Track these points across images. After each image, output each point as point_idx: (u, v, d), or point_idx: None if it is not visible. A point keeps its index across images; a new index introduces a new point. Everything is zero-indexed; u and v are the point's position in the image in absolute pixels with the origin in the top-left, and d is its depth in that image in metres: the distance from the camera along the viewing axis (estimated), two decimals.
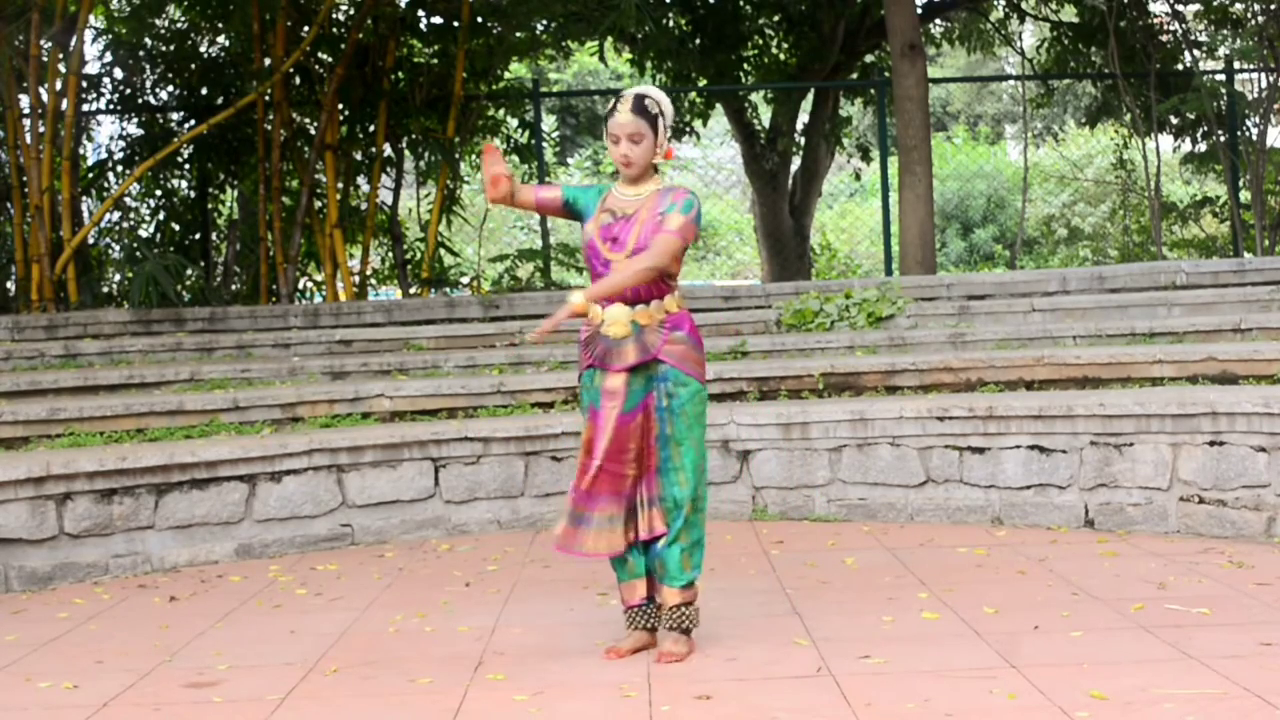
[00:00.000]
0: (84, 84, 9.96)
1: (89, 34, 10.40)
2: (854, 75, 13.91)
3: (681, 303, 4.16)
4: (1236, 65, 11.61)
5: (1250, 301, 7.79)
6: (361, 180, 10.37)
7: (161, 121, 10.80)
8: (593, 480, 4.05)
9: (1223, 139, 11.30)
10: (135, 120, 10.78)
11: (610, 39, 12.63)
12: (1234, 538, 5.65)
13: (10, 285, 9.67)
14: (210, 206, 10.85)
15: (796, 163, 13.87)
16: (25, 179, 8.96)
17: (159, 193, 10.87)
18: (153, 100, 10.83)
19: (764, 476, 6.55)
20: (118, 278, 10.11)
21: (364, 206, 10.18)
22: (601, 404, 4.07)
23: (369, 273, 10.60)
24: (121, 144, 10.65)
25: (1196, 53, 12.13)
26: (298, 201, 9.71)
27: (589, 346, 4.12)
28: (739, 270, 22.86)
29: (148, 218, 10.92)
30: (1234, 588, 4.76)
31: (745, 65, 13.63)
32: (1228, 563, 5.19)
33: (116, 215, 10.69)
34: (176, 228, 10.68)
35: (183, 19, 11.02)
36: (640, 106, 4.05)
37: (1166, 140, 13.33)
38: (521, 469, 6.60)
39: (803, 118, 14.04)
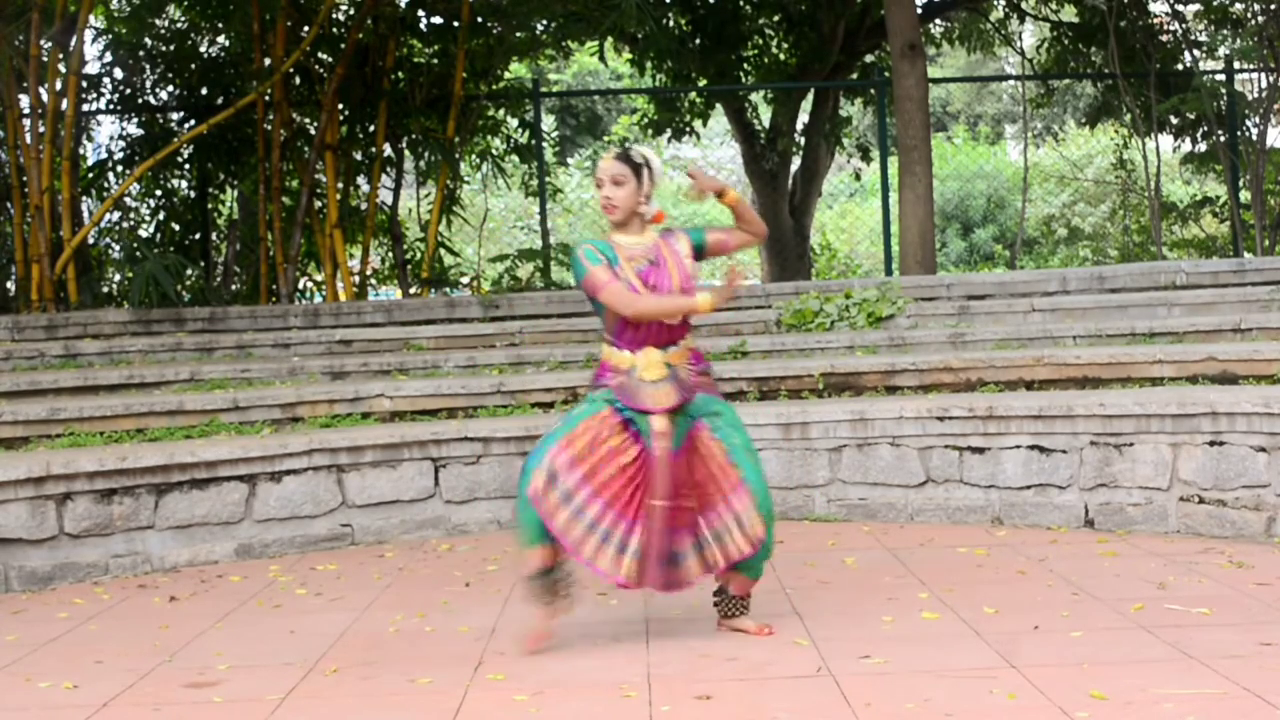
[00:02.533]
0: (84, 84, 9.96)
1: (89, 34, 10.42)
2: (854, 75, 13.91)
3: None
4: (1236, 65, 11.61)
5: (1250, 301, 7.79)
6: (361, 180, 10.37)
7: (161, 121, 10.80)
8: (663, 519, 4.13)
9: (1223, 139, 11.30)
10: (135, 120, 10.78)
11: (610, 39, 12.63)
12: (1234, 538, 5.65)
13: (10, 285, 9.67)
14: (210, 206, 10.85)
15: (796, 163, 13.87)
16: (25, 179, 8.97)
17: (159, 193, 10.88)
18: (153, 100, 10.84)
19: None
20: (118, 278, 10.12)
21: (364, 206, 10.18)
22: (654, 445, 4.17)
23: (369, 273, 10.60)
24: (121, 144, 10.66)
25: (1196, 53, 12.14)
26: (298, 201, 9.71)
27: (620, 392, 4.21)
28: (739, 270, 22.83)
29: (148, 218, 10.93)
30: (1234, 588, 4.76)
31: (745, 65, 13.63)
32: (1228, 563, 5.19)
33: (116, 215, 10.70)
34: (176, 228, 10.68)
35: (183, 19, 11.03)
36: (624, 154, 4.32)
37: (1166, 140, 13.35)
38: (521, 469, 6.58)
39: (803, 118, 14.04)
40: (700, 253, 4.35)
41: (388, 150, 10.21)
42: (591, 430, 4.19)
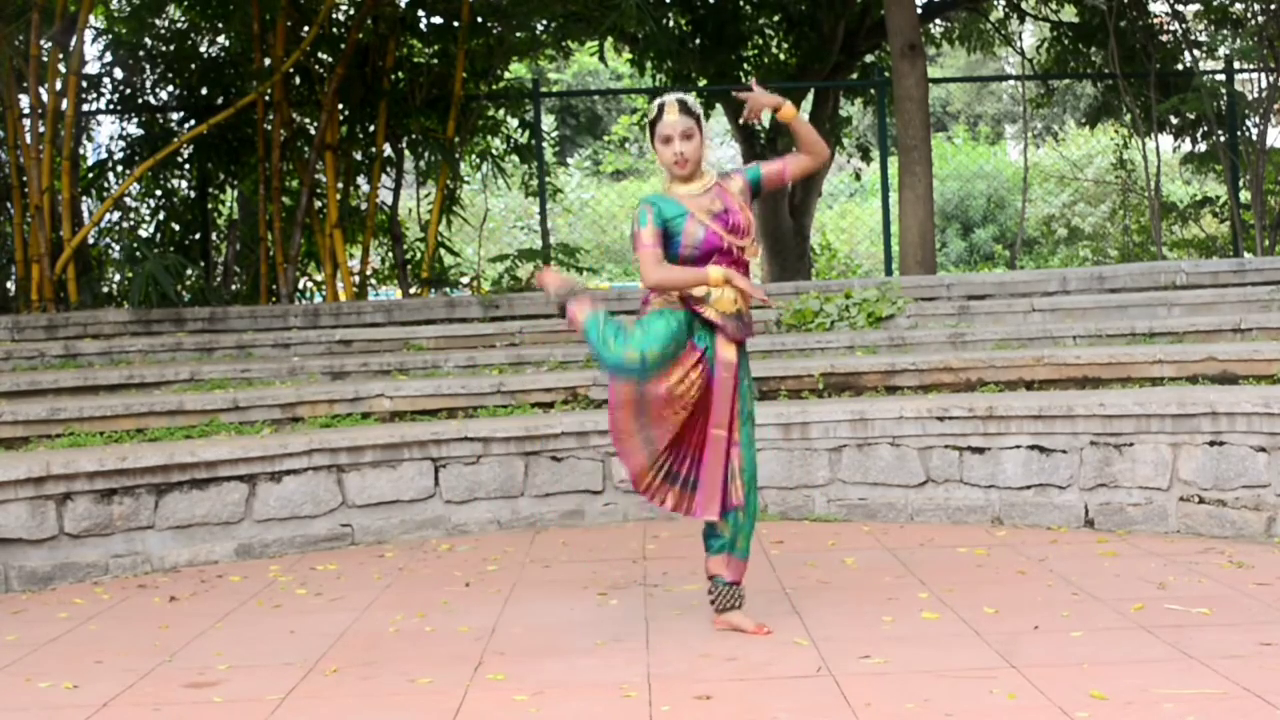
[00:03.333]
0: (84, 84, 9.96)
1: (89, 34, 10.42)
2: (854, 75, 13.91)
3: None
4: (1236, 65, 11.61)
5: (1250, 301, 7.79)
6: (361, 180, 10.37)
7: (161, 121, 10.80)
8: (707, 447, 4.28)
9: (1223, 139, 11.31)
10: (135, 120, 10.78)
11: (610, 39, 12.63)
12: (1234, 538, 5.65)
13: (10, 285, 9.67)
14: (210, 206, 10.85)
15: None
16: (25, 179, 8.97)
17: (159, 193, 10.88)
18: (153, 100, 10.83)
19: (764, 476, 6.53)
20: (118, 278, 10.11)
21: (364, 206, 10.18)
22: (718, 373, 4.29)
23: (369, 273, 10.60)
24: (121, 144, 10.65)
25: (1196, 53, 12.14)
26: (298, 201, 9.71)
27: (700, 307, 4.27)
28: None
29: (148, 218, 10.92)
30: (1234, 588, 4.76)
31: (745, 65, 13.62)
32: (1228, 563, 5.19)
33: (116, 215, 10.70)
34: (176, 228, 10.68)
35: (183, 19, 11.02)
36: (686, 107, 4.31)
37: (1166, 140, 13.35)
38: (521, 469, 6.60)
39: (803, 118, 14.03)
40: (758, 188, 4.41)
41: (388, 150, 10.21)
42: (680, 370, 4.26)
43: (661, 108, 4.30)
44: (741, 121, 4.79)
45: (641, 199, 4.37)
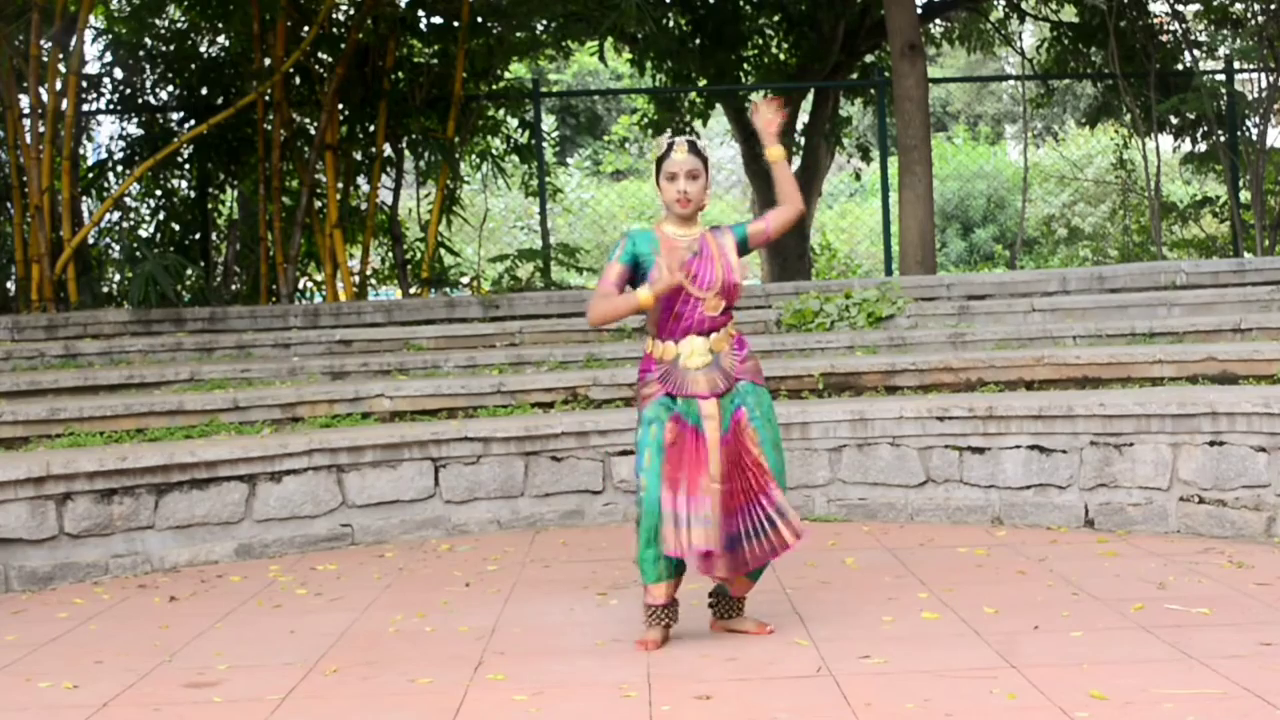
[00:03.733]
0: (84, 84, 9.96)
1: (89, 34, 10.41)
2: (854, 75, 13.91)
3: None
4: (1236, 65, 11.61)
5: (1250, 301, 7.79)
6: (361, 180, 10.37)
7: (161, 121, 10.80)
8: (715, 502, 4.17)
9: (1223, 139, 11.30)
10: (135, 120, 10.78)
11: (610, 39, 12.63)
12: (1234, 538, 5.65)
13: (10, 285, 9.66)
14: (210, 206, 10.84)
15: (796, 163, 13.87)
16: (25, 179, 8.96)
17: (159, 193, 10.87)
18: (153, 100, 10.83)
19: None
20: (118, 278, 10.11)
21: (364, 206, 10.18)
22: (705, 428, 4.22)
23: (369, 273, 10.60)
24: (121, 144, 10.65)
25: (1196, 53, 12.13)
26: (298, 201, 9.71)
27: (664, 380, 4.28)
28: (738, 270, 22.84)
29: (148, 218, 10.92)
30: (1234, 588, 4.76)
31: (745, 65, 13.63)
32: (1228, 563, 5.19)
33: (116, 215, 10.69)
34: (176, 228, 10.67)
35: (183, 19, 11.02)
36: (695, 148, 4.29)
37: (1166, 140, 13.33)
38: (521, 469, 6.60)
39: (803, 118, 14.04)
40: (744, 246, 4.38)
41: (388, 150, 10.20)
42: (677, 452, 4.21)
43: (671, 145, 4.28)
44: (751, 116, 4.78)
45: (630, 232, 4.37)
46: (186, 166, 10.68)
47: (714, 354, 4.28)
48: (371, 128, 9.97)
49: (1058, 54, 13.02)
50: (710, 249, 4.30)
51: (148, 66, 10.77)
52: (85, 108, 10.36)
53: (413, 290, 10.05)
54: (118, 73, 10.73)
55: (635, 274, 4.28)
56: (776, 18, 13.29)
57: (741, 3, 12.96)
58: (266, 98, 9.62)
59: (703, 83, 13.27)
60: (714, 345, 4.29)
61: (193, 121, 10.37)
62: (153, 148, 10.09)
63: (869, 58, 13.90)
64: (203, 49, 11.00)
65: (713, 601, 4.46)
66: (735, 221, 4.43)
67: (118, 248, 10.36)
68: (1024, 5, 13.89)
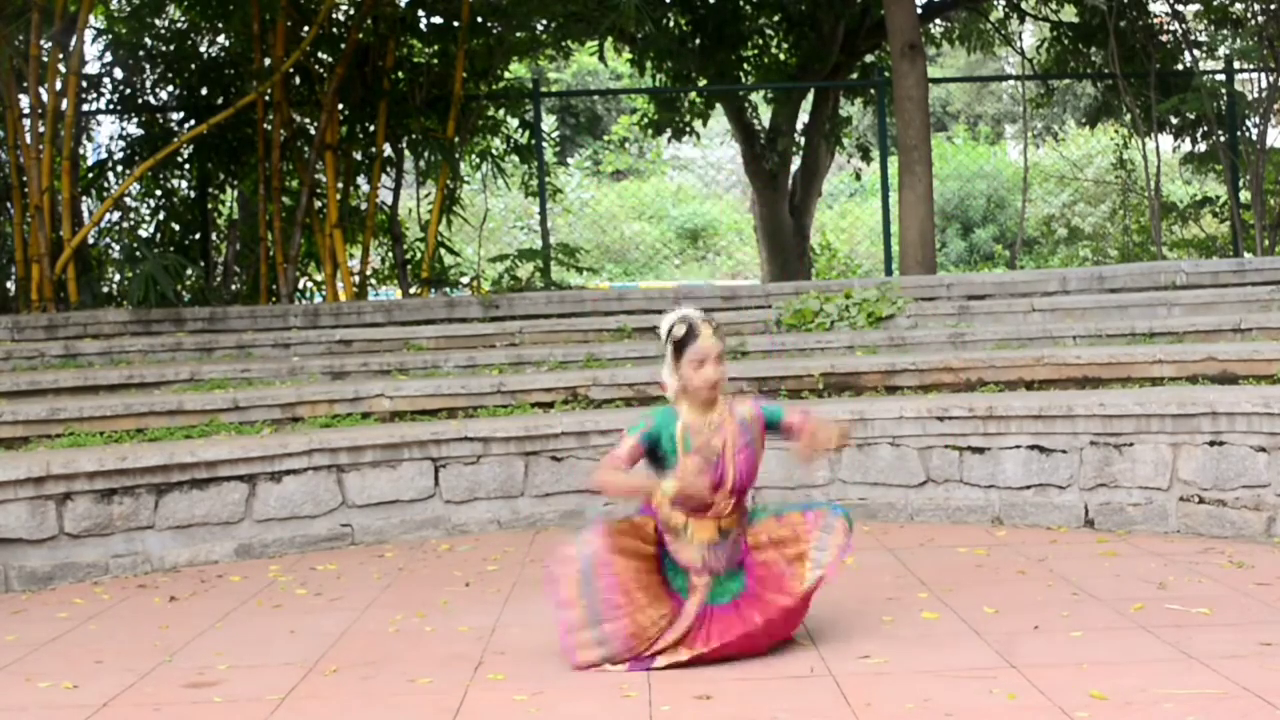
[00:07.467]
0: (84, 84, 9.96)
1: (89, 34, 10.41)
2: (854, 75, 13.92)
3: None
4: (1236, 65, 11.61)
5: (1250, 301, 7.79)
6: (361, 180, 10.37)
7: (161, 121, 10.80)
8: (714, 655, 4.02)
9: (1223, 139, 11.31)
10: (135, 120, 10.78)
11: (610, 39, 12.63)
12: (1234, 538, 5.65)
13: (10, 285, 9.67)
14: (210, 206, 10.85)
15: (796, 163, 13.88)
16: (25, 179, 8.96)
17: (159, 193, 10.87)
18: (153, 100, 10.83)
19: (764, 476, 6.51)
20: (118, 278, 10.11)
21: (364, 206, 10.18)
22: (691, 598, 4.09)
23: (369, 273, 10.60)
24: (121, 144, 10.65)
25: (1196, 53, 12.14)
26: (298, 201, 9.71)
27: (667, 535, 4.15)
28: (739, 270, 22.90)
29: (148, 218, 10.92)
30: (1234, 588, 4.76)
31: (745, 65, 13.64)
32: (1228, 563, 5.19)
33: (116, 215, 10.70)
34: (176, 228, 10.68)
35: (183, 19, 11.02)
36: (718, 329, 4.10)
37: (1166, 140, 13.35)
38: (521, 469, 6.60)
39: (803, 118, 14.05)
40: (774, 427, 4.18)
41: (388, 150, 10.21)
42: (633, 531, 4.11)
43: (692, 328, 4.03)
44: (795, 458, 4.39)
45: (654, 410, 4.18)
46: (186, 166, 10.68)
47: (723, 533, 4.12)
48: (371, 128, 9.97)
49: (1058, 54, 13.03)
50: (728, 443, 4.09)
51: (147, 66, 10.78)
52: (85, 108, 10.37)
53: (413, 290, 10.05)
54: (118, 73, 10.74)
55: (650, 452, 4.11)
56: (776, 18, 13.30)
57: (741, 3, 12.97)
58: (266, 98, 9.62)
59: (703, 83, 13.27)
60: (724, 525, 4.12)
61: (193, 121, 10.38)
62: (153, 148, 10.09)
63: (869, 58, 13.91)
64: (203, 49, 11.01)
65: None
66: (758, 399, 4.27)
67: (118, 248, 10.37)
68: (1024, 5, 13.90)
